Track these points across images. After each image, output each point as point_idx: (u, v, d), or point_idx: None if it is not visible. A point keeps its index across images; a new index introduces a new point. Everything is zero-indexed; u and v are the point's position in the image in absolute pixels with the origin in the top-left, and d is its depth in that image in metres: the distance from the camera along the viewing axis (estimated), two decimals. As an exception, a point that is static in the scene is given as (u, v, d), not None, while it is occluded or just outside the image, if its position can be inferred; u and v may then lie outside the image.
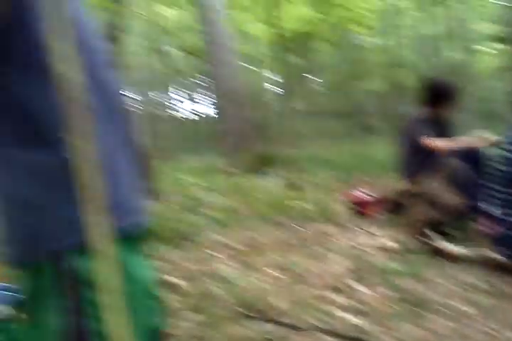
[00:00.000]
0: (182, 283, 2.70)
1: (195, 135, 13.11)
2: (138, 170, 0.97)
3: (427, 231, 3.31)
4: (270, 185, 6.42)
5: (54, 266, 0.79)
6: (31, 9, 0.76)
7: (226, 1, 8.69)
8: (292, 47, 8.51)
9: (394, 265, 2.91)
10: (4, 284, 0.98)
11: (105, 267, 0.57)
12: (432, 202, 3.48)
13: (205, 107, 22.21)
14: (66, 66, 0.54)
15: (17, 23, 0.76)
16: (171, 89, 18.54)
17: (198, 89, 19.45)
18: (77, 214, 0.74)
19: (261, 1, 6.67)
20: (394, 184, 4.29)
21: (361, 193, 4.42)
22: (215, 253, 3.25)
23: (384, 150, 9.85)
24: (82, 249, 0.76)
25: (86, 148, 0.56)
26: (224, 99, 8.92)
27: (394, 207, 4.01)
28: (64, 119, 0.68)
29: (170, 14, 11.26)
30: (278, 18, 5.22)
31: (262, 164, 8.37)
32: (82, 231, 0.73)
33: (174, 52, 11.36)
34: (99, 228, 0.55)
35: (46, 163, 0.78)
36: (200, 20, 8.90)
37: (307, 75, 12.87)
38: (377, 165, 7.89)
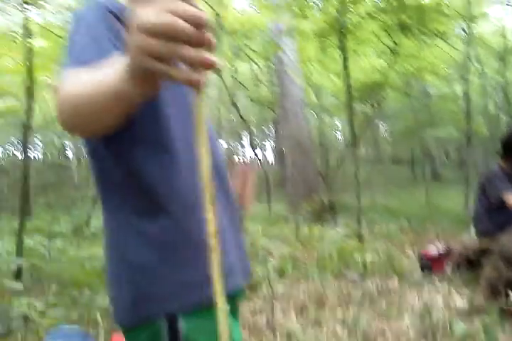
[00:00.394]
0: (244, 334, 2.69)
1: (258, 181, 13.33)
2: (240, 229, 1.02)
3: (502, 291, 3.13)
4: (334, 234, 6.33)
5: (165, 327, 0.83)
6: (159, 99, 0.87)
7: (298, 54, 9.06)
8: (361, 95, 8.60)
9: (464, 326, 2.76)
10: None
11: (220, 328, 0.62)
12: (509, 261, 3.30)
13: (268, 154, 22.58)
14: (205, 150, 0.62)
15: (147, 108, 0.84)
16: (242, 137, 19.05)
17: (264, 137, 19.87)
18: (188, 278, 0.83)
19: (331, 54, 6.85)
20: (467, 239, 4.12)
21: (431, 247, 4.26)
22: (279, 305, 3.22)
23: (454, 200, 9.55)
24: (193, 310, 0.83)
25: (210, 217, 0.63)
26: (290, 147, 9.09)
27: (466, 264, 3.83)
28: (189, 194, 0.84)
29: (244, 67, 11.83)
30: (347, 69, 5.31)
31: (327, 212, 8.32)
32: (194, 294, 0.82)
33: (245, 102, 11.82)
34: (217, 290, 0.60)
35: (160, 230, 0.85)
36: (272, 73, 9.30)
37: (375, 123, 12.86)
38: (448, 216, 7.63)
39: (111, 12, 0.86)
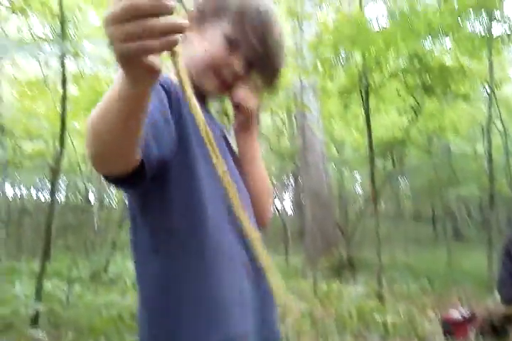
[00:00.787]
0: None
1: (276, 232, 13.24)
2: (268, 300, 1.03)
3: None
4: (353, 292, 6.20)
5: None
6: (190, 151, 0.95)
7: (320, 109, 9.28)
8: (382, 151, 8.68)
9: None
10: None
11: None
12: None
13: (286, 205, 22.55)
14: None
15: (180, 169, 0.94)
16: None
17: (284, 188, 19.91)
18: (210, 326, 0.88)
19: (353, 110, 7.00)
20: (491, 303, 4.01)
21: (454, 311, 4.13)
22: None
23: (477, 261, 9.31)
24: None
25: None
26: (310, 199, 9.11)
27: (491, 331, 3.70)
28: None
29: (266, 119, 12.10)
30: (370, 126, 5.41)
31: (346, 268, 8.18)
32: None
33: (266, 153, 12.01)
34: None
35: (180, 277, 0.91)
36: (294, 126, 9.50)
37: (396, 178, 12.88)
38: (471, 277, 7.43)
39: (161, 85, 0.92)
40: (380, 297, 5.09)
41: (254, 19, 1.01)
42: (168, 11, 0.58)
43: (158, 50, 0.59)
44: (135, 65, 0.61)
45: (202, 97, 1.08)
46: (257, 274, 0.96)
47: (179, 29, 0.59)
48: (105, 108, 0.70)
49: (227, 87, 1.06)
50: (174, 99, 0.92)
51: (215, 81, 1.04)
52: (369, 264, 8.28)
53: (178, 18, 0.58)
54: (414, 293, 6.25)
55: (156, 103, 0.85)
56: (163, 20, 0.57)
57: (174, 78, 1.00)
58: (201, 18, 1.06)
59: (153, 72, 0.62)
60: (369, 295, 5.82)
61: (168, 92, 0.91)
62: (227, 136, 1.14)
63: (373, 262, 7.45)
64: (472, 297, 5.88)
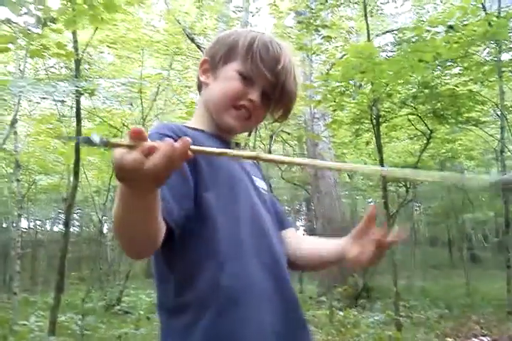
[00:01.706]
0: None
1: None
2: None
3: None
4: (370, 320, 6.10)
5: None
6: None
7: (330, 136, 9.35)
8: (394, 177, 8.67)
9: None
10: None
11: None
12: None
13: (299, 232, 22.46)
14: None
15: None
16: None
17: (296, 215, 19.86)
18: None
19: (364, 137, 7.05)
20: None
21: (474, 339, 4.04)
22: None
23: (495, 285, 9.14)
24: None
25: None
26: (323, 226, 9.07)
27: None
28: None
29: (277, 147, 12.17)
30: (381, 153, 5.41)
31: (361, 296, 8.07)
32: None
33: (278, 181, 12.04)
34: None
35: (192, 328, 0.93)
36: (307, 155, 9.54)
37: (410, 203, 12.81)
38: (489, 302, 7.29)
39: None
40: (398, 325, 4.98)
41: (262, 51, 1.07)
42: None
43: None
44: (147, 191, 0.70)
45: (224, 140, 1.14)
46: (284, 306, 1.00)
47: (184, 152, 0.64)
48: (117, 208, 0.76)
49: (247, 117, 1.10)
50: None
51: (235, 113, 1.09)
52: (385, 291, 8.16)
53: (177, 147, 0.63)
54: (433, 320, 6.14)
55: None
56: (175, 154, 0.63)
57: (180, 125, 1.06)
58: (215, 63, 1.13)
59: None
60: (386, 322, 5.73)
61: None
62: (254, 177, 1.16)
63: (390, 289, 7.34)
64: (491, 322, 5.77)
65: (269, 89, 1.10)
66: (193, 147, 0.66)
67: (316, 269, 1.26)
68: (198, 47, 7.32)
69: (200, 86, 1.18)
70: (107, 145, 0.64)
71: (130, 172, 0.63)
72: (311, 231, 15.62)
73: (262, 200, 1.12)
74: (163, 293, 1.01)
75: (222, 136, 1.14)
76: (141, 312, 7.45)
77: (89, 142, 0.64)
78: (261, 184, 1.18)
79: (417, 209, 16.61)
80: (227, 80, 1.09)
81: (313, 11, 6.04)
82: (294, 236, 1.21)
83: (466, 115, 6.21)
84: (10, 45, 3.57)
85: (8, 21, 3.44)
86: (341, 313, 6.46)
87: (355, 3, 7.55)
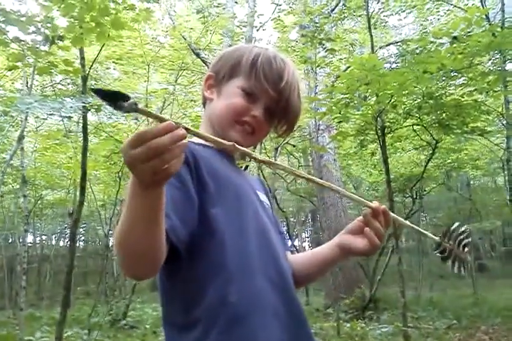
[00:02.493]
0: None
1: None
2: None
3: None
4: (377, 331, 6.05)
5: None
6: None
7: (335, 148, 9.36)
8: (400, 187, 8.67)
9: None
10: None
11: None
12: None
13: (304, 243, 22.37)
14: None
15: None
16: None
17: (301, 226, 19.81)
18: None
19: (369, 148, 7.05)
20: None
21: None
22: None
23: (503, 294, 9.07)
24: None
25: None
26: (329, 237, 9.03)
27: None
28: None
29: (282, 159, 12.21)
30: (387, 164, 5.41)
31: (368, 307, 8.01)
32: None
33: (284, 193, 12.07)
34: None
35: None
36: (312, 166, 9.56)
37: (416, 214, 12.79)
38: (498, 312, 7.22)
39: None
40: (406, 336, 4.93)
41: (265, 67, 1.09)
42: (168, 131, 0.67)
43: (168, 162, 0.68)
44: (151, 182, 0.71)
45: (230, 157, 1.16)
46: (292, 321, 0.99)
47: (180, 138, 0.68)
48: (123, 219, 0.78)
49: (251, 132, 1.11)
50: (192, 164, 0.97)
51: (239, 129, 1.10)
52: (393, 302, 8.11)
53: (177, 130, 0.68)
54: (441, 331, 6.08)
55: (173, 182, 0.90)
56: (165, 138, 0.67)
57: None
58: (219, 79, 1.14)
59: (167, 179, 0.72)
60: (394, 334, 5.69)
61: (184, 160, 0.95)
62: (258, 192, 1.17)
63: (397, 300, 7.29)
64: (501, 332, 5.72)
65: (272, 105, 1.11)
66: (188, 128, 0.71)
67: (321, 274, 1.27)
68: (204, 62, 7.38)
69: (204, 101, 1.20)
70: (137, 111, 0.69)
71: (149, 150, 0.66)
72: (317, 243, 15.56)
73: (267, 215, 1.13)
74: (168, 310, 1.01)
75: (228, 151, 1.13)
76: (147, 327, 7.42)
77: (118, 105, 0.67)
78: (264, 198, 1.19)
79: (424, 219, 16.54)
80: (231, 96, 1.10)
81: (317, 24, 6.08)
82: (290, 257, 1.21)
83: (472, 125, 6.21)
84: (18, 63, 3.61)
85: (16, 40, 3.47)
86: (348, 325, 6.42)
87: (359, 16, 7.61)
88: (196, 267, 0.96)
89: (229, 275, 0.95)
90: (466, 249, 1.07)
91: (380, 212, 1.04)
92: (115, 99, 0.68)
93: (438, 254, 1.08)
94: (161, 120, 0.70)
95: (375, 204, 1.05)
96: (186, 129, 0.70)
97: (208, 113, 1.17)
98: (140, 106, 0.69)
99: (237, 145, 0.81)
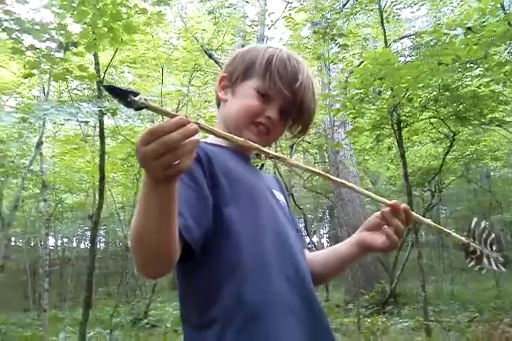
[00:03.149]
0: None
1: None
2: None
3: None
4: (398, 326, 6.01)
5: None
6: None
7: (351, 143, 9.31)
8: (418, 181, 8.59)
9: None
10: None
11: None
12: None
13: (322, 240, 22.33)
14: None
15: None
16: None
17: (319, 222, 19.77)
18: None
19: (386, 142, 7.00)
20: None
21: None
22: None
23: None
24: None
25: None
26: (347, 233, 9.00)
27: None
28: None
29: (298, 157, 12.21)
30: (404, 158, 5.37)
31: (389, 302, 7.97)
32: None
33: (301, 190, 12.06)
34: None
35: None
36: (328, 162, 9.53)
37: (435, 207, 12.70)
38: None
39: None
40: (428, 330, 4.90)
41: (279, 69, 1.09)
42: (179, 126, 0.68)
43: (179, 158, 0.69)
44: (163, 178, 0.72)
45: (245, 156, 1.17)
46: (311, 319, 0.99)
47: (191, 133, 0.69)
48: (137, 215, 0.79)
49: (266, 133, 1.11)
50: (206, 163, 0.98)
51: (254, 129, 1.10)
52: (413, 296, 8.06)
53: (189, 126, 0.69)
54: (463, 324, 6.02)
55: (186, 181, 0.91)
56: (176, 134, 0.67)
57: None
58: (233, 80, 1.14)
59: (179, 175, 0.73)
60: (416, 328, 5.65)
61: (197, 159, 0.96)
62: (274, 191, 1.17)
63: (417, 294, 7.25)
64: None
65: (287, 106, 1.11)
66: (201, 125, 0.72)
67: (340, 272, 1.26)
68: (216, 62, 7.38)
69: (219, 102, 1.20)
70: (147, 107, 0.69)
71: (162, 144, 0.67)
72: (335, 239, 15.52)
73: (284, 213, 1.13)
74: (186, 309, 1.02)
75: (242, 151, 1.15)
76: (168, 325, 7.47)
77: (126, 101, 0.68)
78: (280, 197, 1.19)
79: (444, 212, 16.37)
80: (245, 97, 1.11)
81: (329, 20, 6.04)
82: (308, 255, 1.21)
83: (489, 116, 6.13)
84: (34, 70, 3.65)
85: (32, 47, 3.52)
86: (369, 320, 6.39)
87: (371, 10, 7.54)
88: (211, 266, 0.96)
89: (245, 274, 0.95)
90: (494, 248, 1.05)
91: (399, 209, 1.03)
92: (125, 96, 0.68)
93: (468, 259, 1.05)
94: (172, 116, 0.70)
95: (393, 202, 1.04)
96: (197, 125, 0.71)
97: (222, 114, 1.17)
98: (150, 102, 0.69)
99: (249, 141, 0.82)
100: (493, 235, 1.06)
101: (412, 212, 1.04)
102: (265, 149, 0.85)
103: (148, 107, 0.69)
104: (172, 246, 0.82)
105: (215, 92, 1.21)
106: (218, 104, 1.21)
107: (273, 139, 1.17)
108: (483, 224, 1.06)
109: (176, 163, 0.69)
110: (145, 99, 0.68)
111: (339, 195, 9.13)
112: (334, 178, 0.97)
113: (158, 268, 0.87)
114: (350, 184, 0.98)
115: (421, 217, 1.06)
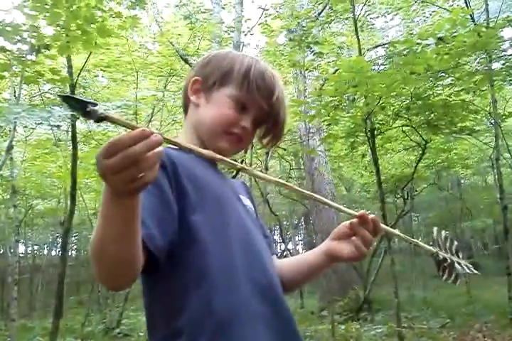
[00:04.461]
0: None
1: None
2: None
3: None
4: (371, 333, 6.06)
5: None
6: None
7: (326, 150, 9.39)
8: (391, 188, 8.70)
9: None
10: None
11: None
12: None
13: (297, 246, 22.34)
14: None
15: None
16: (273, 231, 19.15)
17: (294, 229, 19.82)
18: None
19: (360, 150, 7.07)
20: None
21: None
22: None
23: (496, 292, 9.11)
24: None
25: None
26: (322, 239, 9.05)
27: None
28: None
29: (274, 163, 12.23)
30: (377, 165, 5.43)
31: (362, 309, 8.02)
32: None
33: (276, 197, 12.07)
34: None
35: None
36: (304, 169, 9.58)
37: (407, 214, 12.89)
38: (491, 310, 7.26)
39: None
40: (400, 336, 4.94)
41: (258, 80, 1.09)
42: (143, 138, 0.65)
43: (143, 171, 0.66)
44: (127, 192, 0.70)
45: (212, 162, 1.14)
46: (281, 327, 0.98)
47: (155, 145, 0.66)
48: (96, 230, 0.77)
49: (239, 141, 1.12)
50: (170, 169, 0.96)
51: (228, 138, 1.10)
52: (387, 303, 8.12)
53: (152, 137, 0.66)
54: (435, 330, 6.11)
55: (150, 189, 0.87)
56: (140, 146, 0.65)
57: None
58: (208, 85, 1.13)
59: (143, 189, 0.71)
60: (389, 334, 5.71)
61: (162, 166, 0.94)
62: (241, 197, 1.17)
63: (391, 300, 7.31)
64: (495, 330, 5.75)
65: (261, 117, 1.12)
66: (165, 137, 0.69)
67: (307, 280, 1.26)
68: (192, 67, 7.37)
69: (187, 104, 1.18)
70: (106, 119, 0.66)
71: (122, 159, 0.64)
72: (310, 246, 15.57)
73: (251, 219, 1.12)
74: (152, 321, 1.00)
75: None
76: (141, 334, 7.38)
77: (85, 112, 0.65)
78: (248, 203, 1.18)
79: (416, 219, 16.61)
80: (221, 106, 1.10)
81: (304, 28, 6.10)
82: (277, 262, 1.20)
83: (460, 124, 6.25)
84: (5, 73, 3.58)
85: (2, 49, 3.45)
86: (343, 327, 6.42)
87: (346, 18, 7.65)
88: (178, 276, 0.94)
89: (212, 282, 0.93)
90: (461, 255, 1.07)
91: (367, 220, 1.02)
92: (84, 106, 0.65)
93: (441, 272, 1.06)
94: (133, 127, 0.67)
95: (361, 212, 1.04)
96: (161, 136, 0.68)
97: (193, 119, 1.15)
98: (109, 113, 0.67)
99: (213, 153, 0.81)
100: (455, 243, 1.08)
101: (383, 225, 1.04)
102: (230, 160, 0.84)
103: (108, 118, 0.66)
104: (135, 258, 0.81)
105: (184, 95, 1.19)
106: (186, 107, 1.19)
107: (244, 147, 1.18)
108: (443, 233, 1.08)
109: (139, 176, 0.67)
110: (103, 112, 0.66)
111: (314, 201, 9.20)
112: (302, 190, 0.98)
113: (120, 282, 0.86)
114: (316, 195, 0.99)
115: (390, 229, 1.06)
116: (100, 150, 0.66)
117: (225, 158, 0.83)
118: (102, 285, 0.88)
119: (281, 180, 0.94)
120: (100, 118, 0.66)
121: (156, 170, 0.69)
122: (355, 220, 1.04)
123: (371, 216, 1.03)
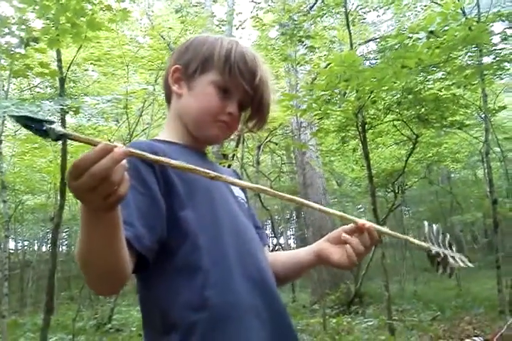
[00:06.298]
0: None
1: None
2: None
3: None
4: (363, 325, 6.10)
5: None
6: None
7: (318, 145, 9.40)
8: (382, 182, 8.73)
9: None
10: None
11: None
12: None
13: (289, 240, 22.39)
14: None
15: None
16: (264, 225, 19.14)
17: (286, 223, 19.86)
18: None
19: (351, 144, 7.10)
20: (505, 327, 3.94)
21: (467, 339, 4.06)
22: None
23: (486, 285, 9.20)
24: None
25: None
26: (313, 233, 9.07)
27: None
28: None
29: (265, 157, 12.23)
30: (368, 159, 5.44)
31: (354, 302, 8.07)
32: None
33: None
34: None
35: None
36: (295, 163, 9.59)
37: (398, 208, 12.96)
38: (481, 302, 7.34)
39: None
40: (391, 329, 4.98)
41: (239, 63, 1.07)
42: (106, 153, 0.64)
43: (115, 184, 0.66)
44: (104, 207, 0.69)
45: (199, 152, 1.14)
46: (275, 320, 0.98)
47: (120, 157, 0.65)
48: (80, 240, 0.76)
49: (228, 127, 1.11)
50: (156, 165, 0.94)
51: (215, 126, 1.09)
52: (378, 296, 8.18)
53: (116, 150, 0.65)
54: (426, 323, 6.16)
55: (136, 186, 0.88)
56: (105, 161, 0.64)
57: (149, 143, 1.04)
58: (189, 73, 1.10)
59: (120, 202, 0.70)
60: (380, 327, 5.74)
61: (148, 164, 0.93)
62: (232, 187, 1.15)
63: (382, 294, 7.36)
64: (484, 322, 5.81)
65: (245, 101, 1.11)
66: (132, 151, 0.69)
67: (297, 277, 1.26)
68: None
69: (169, 94, 1.15)
70: (67, 137, 0.66)
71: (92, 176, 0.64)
72: (302, 240, 15.63)
73: (243, 211, 1.11)
74: (147, 316, 1.00)
75: (198, 147, 1.14)
76: (133, 329, 7.37)
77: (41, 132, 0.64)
78: (240, 193, 1.17)
79: (406, 213, 16.70)
80: (205, 94, 1.08)
81: (296, 22, 6.08)
82: (269, 255, 1.20)
83: (451, 119, 6.28)
84: (-7, 66, 3.54)
85: (-10, 42, 3.41)
86: (334, 320, 6.46)
87: (337, 13, 7.64)
88: (170, 271, 0.94)
89: (206, 276, 0.93)
90: (454, 248, 1.06)
91: (364, 231, 0.99)
92: (40, 125, 0.64)
93: (435, 266, 1.05)
94: (95, 143, 0.66)
95: (361, 221, 1.00)
96: (126, 147, 0.68)
97: (177, 109, 1.13)
98: (67, 131, 0.66)
99: (185, 164, 0.77)
100: (448, 236, 1.07)
101: (376, 225, 1.01)
102: (202, 169, 0.79)
103: (67, 136, 0.66)
104: (120, 266, 0.80)
105: (165, 85, 1.16)
106: (168, 97, 1.16)
107: (233, 131, 1.16)
108: (435, 227, 1.07)
109: (114, 189, 0.66)
110: (61, 130, 0.65)
111: (306, 195, 9.20)
112: (301, 200, 0.97)
113: (109, 287, 0.86)
114: (308, 202, 0.98)
115: (384, 230, 1.02)
116: (67, 173, 0.65)
117: (197, 168, 0.78)
118: (93, 291, 0.89)
119: (262, 186, 0.90)
120: (59, 137, 0.65)
121: (127, 181, 0.68)
122: (353, 227, 1.03)
123: (367, 225, 0.99)
